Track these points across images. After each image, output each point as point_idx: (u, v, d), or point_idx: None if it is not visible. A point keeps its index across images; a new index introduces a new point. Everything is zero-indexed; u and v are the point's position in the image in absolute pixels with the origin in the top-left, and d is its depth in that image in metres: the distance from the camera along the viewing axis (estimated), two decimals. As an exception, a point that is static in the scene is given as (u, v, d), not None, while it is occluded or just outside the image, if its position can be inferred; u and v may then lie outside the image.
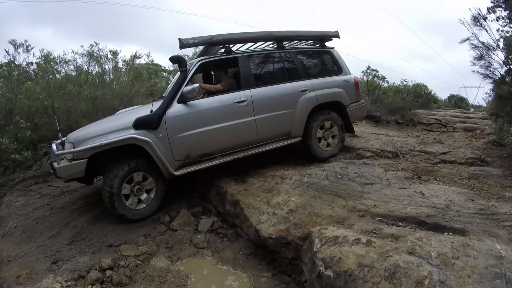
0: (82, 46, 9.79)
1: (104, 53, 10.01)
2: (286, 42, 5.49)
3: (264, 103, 4.82)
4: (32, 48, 8.99)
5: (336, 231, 2.96)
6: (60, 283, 3.15)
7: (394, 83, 13.04)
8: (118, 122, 4.22)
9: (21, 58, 8.83)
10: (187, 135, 4.32)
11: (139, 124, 4.11)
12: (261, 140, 4.87)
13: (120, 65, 10.43)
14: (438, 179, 4.33)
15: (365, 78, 12.16)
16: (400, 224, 3.07)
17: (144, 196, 4.28)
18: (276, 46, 5.36)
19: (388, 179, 4.20)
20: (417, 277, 2.21)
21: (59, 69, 9.89)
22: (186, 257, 3.74)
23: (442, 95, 21.19)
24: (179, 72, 4.59)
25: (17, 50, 8.75)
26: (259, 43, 5.37)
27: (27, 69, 9.18)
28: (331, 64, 5.77)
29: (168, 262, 3.63)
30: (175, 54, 4.80)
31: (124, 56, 10.99)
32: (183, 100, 4.36)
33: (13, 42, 8.71)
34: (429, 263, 2.32)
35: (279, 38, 5.22)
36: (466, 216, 3.03)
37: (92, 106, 7.18)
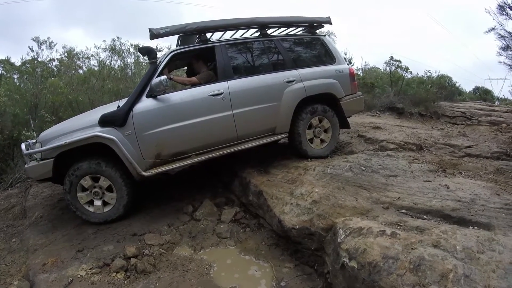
0: (104, 41, 9.95)
1: (126, 47, 10.14)
2: (272, 31, 5.07)
3: (243, 96, 4.41)
4: (55, 44, 9.16)
5: (361, 223, 2.95)
6: (85, 270, 3.25)
7: (417, 74, 12.69)
8: (84, 119, 4.05)
9: (45, 55, 9.00)
10: (157, 132, 4.01)
11: (104, 121, 3.86)
12: (241, 137, 4.46)
13: (142, 59, 10.55)
14: (463, 173, 4.26)
15: (387, 69, 11.87)
16: (424, 217, 3.04)
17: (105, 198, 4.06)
18: (259, 34, 4.90)
19: (412, 172, 4.14)
20: (442, 270, 2.20)
21: (81, 65, 10.08)
22: (209, 246, 3.78)
23: (467, 87, 20.70)
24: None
25: (40, 47, 8.91)
26: (241, 32, 4.98)
27: (50, 65, 9.36)
28: (322, 53, 5.22)
29: (191, 251, 3.68)
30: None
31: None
32: (153, 94, 4.04)
33: (36, 39, 8.87)
34: (454, 256, 2.30)
35: (262, 25, 4.79)
36: (492, 211, 2.97)
37: (116, 99, 7.29)
